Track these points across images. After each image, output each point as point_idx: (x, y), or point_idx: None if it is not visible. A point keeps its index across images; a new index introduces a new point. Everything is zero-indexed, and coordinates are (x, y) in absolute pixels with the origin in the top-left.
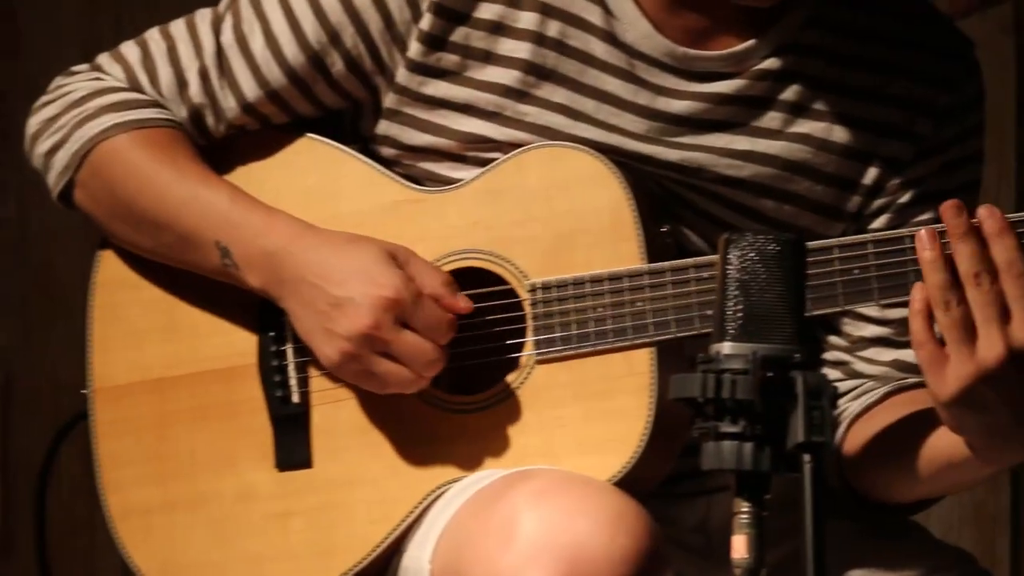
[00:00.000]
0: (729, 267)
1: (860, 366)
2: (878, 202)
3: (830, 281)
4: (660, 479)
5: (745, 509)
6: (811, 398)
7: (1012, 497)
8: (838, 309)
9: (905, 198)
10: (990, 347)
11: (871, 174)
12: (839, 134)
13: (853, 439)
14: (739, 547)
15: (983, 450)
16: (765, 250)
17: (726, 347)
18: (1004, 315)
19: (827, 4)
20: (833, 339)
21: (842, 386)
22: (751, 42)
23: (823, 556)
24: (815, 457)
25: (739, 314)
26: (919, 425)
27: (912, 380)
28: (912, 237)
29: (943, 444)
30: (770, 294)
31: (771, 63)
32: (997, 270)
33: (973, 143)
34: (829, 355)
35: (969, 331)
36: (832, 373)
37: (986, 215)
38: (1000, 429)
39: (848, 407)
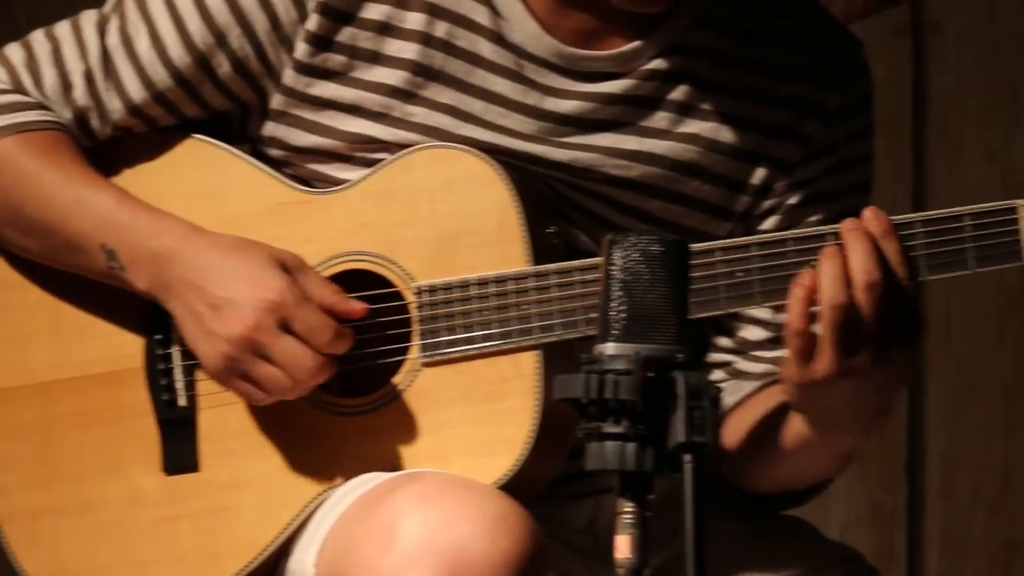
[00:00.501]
0: (613, 268)
1: (744, 366)
2: (768, 203)
3: (713, 284)
4: (550, 480)
5: (628, 509)
6: (692, 398)
7: (908, 495)
8: (720, 312)
9: (794, 199)
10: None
11: (759, 175)
12: (727, 135)
13: (728, 431)
14: (622, 547)
15: (816, 427)
16: (649, 251)
17: (609, 348)
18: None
19: (715, 6)
20: (723, 341)
21: (726, 385)
22: (638, 43)
23: (704, 555)
24: (696, 457)
25: (622, 315)
26: (768, 415)
27: None
28: (794, 240)
29: (795, 428)
30: (653, 295)
31: (658, 63)
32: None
33: (862, 144)
34: (716, 356)
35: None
36: (715, 373)
37: (871, 217)
38: (835, 414)
39: (725, 401)
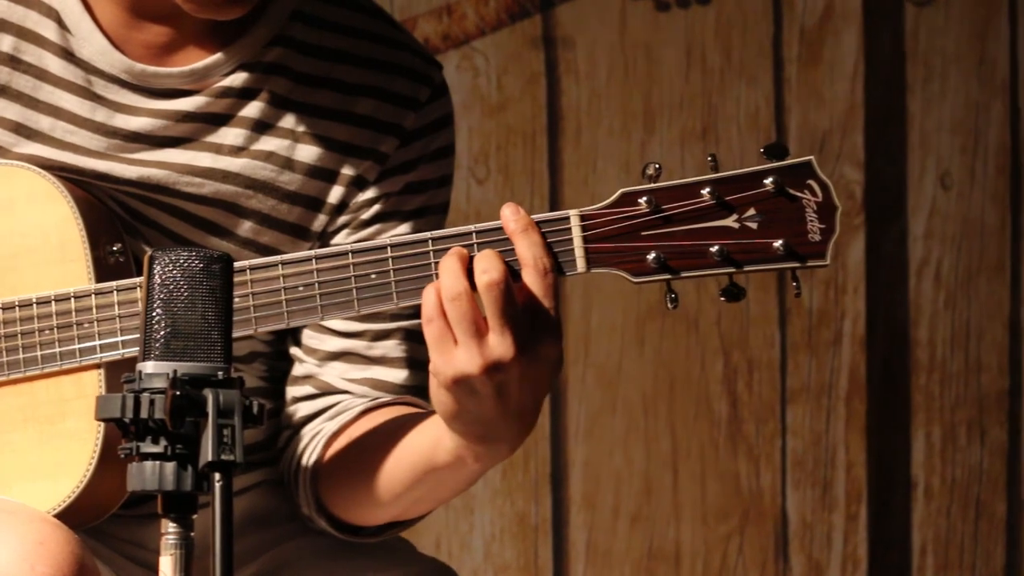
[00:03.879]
0: (153, 285)
1: (330, 379)
2: (342, 219)
3: (276, 299)
4: (121, 500)
5: (172, 530)
6: (222, 416)
7: (553, 507)
8: (283, 326)
9: (367, 215)
10: (499, 344)
11: (337, 193)
12: (304, 153)
13: (329, 459)
14: (165, 568)
15: (470, 439)
16: (189, 267)
17: (148, 366)
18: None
19: (293, 24)
20: (302, 353)
21: (319, 403)
22: (212, 59)
23: (232, 574)
24: (225, 475)
25: (161, 332)
26: (398, 434)
27: (388, 398)
28: (353, 253)
29: (425, 446)
30: (194, 312)
31: (233, 80)
32: (523, 265)
33: (439, 165)
34: (299, 369)
35: (480, 324)
36: (303, 388)
37: (510, 216)
38: (489, 420)
39: (324, 427)
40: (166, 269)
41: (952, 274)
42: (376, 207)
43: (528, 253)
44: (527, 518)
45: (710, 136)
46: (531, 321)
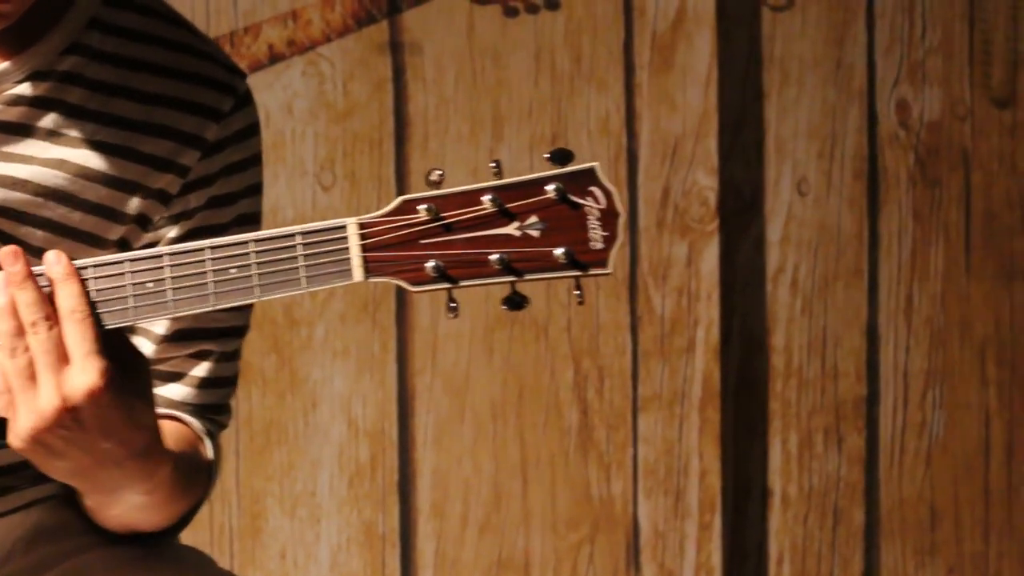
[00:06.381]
0: None
1: None
2: (148, 236)
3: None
4: None
5: None
6: None
7: (401, 516)
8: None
9: (175, 232)
10: (46, 395)
11: (136, 204)
12: (100, 163)
13: None
14: None
15: (87, 494)
16: None
17: None
18: (63, 362)
19: (92, 32)
20: None
21: None
22: (1, 66)
23: None
24: None
25: None
26: None
27: (162, 411)
28: (131, 260)
29: None
30: None
31: (24, 88)
32: (61, 316)
33: (246, 176)
34: None
35: (33, 380)
36: None
37: (53, 261)
38: (83, 472)
39: None
40: None
41: (809, 280)
42: (184, 223)
43: (65, 304)
44: (374, 527)
45: (560, 142)
46: (72, 369)
